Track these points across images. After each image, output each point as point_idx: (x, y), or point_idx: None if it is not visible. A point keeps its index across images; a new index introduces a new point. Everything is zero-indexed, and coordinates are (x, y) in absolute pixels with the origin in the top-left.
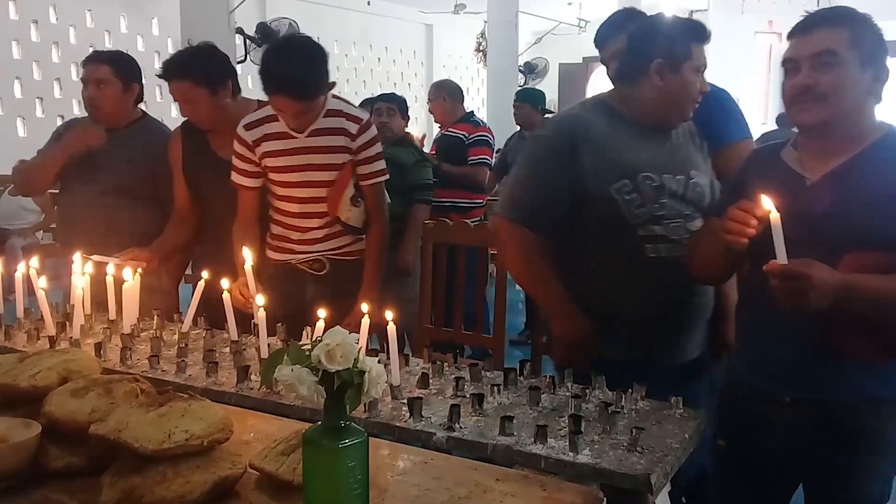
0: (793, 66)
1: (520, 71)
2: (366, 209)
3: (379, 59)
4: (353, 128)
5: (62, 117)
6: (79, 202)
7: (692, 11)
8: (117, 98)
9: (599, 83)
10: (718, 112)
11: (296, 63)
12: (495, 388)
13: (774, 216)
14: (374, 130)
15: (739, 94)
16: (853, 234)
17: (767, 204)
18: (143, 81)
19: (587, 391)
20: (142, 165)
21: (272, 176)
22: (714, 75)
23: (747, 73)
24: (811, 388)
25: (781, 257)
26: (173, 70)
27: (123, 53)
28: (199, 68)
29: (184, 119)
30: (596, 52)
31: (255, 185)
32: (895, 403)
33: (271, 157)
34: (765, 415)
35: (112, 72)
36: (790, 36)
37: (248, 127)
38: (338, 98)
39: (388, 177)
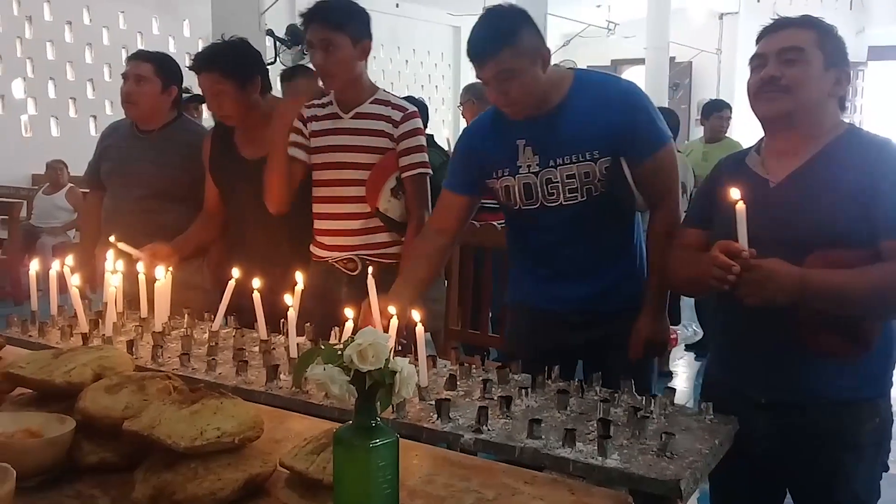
0: (760, 62)
1: None
2: (406, 204)
3: (407, 61)
4: (397, 115)
5: (94, 118)
6: (118, 205)
7: (722, 14)
8: (154, 96)
9: None
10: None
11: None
12: (523, 390)
13: (740, 206)
14: (417, 122)
15: None
16: (817, 234)
17: (735, 194)
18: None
19: (616, 395)
20: (178, 167)
21: (314, 158)
22: (746, 78)
23: None
24: (786, 390)
25: (743, 244)
26: (202, 61)
27: (167, 55)
28: (227, 60)
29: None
30: (625, 55)
31: (304, 158)
32: (871, 402)
33: (317, 137)
34: (742, 417)
35: (153, 70)
36: (759, 38)
37: (309, 106)
38: (388, 93)
39: (430, 172)
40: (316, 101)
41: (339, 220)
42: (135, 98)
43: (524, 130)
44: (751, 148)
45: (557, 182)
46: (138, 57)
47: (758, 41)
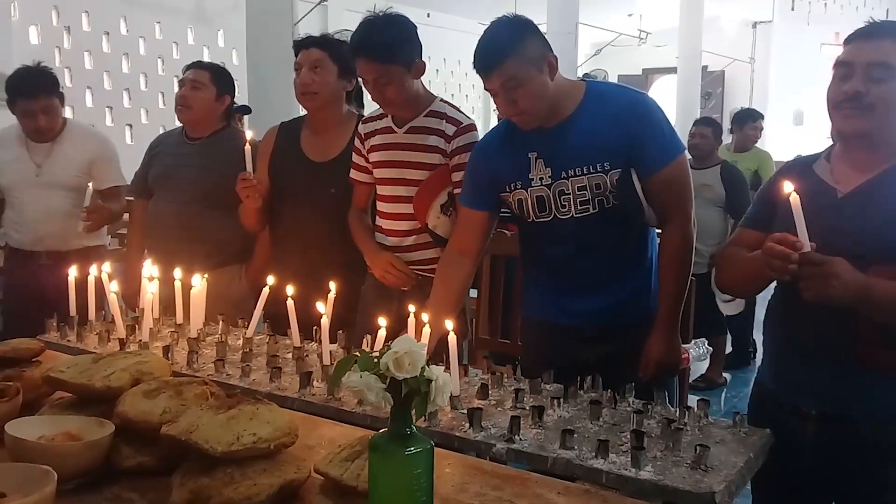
0: (845, 71)
1: None
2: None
3: (437, 70)
4: (450, 129)
5: (130, 126)
6: (162, 210)
7: (756, 23)
8: (208, 103)
9: (658, 94)
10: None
11: (375, 25)
12: (555, 400)
13: (794, 198)
14: (473, 136)
15: (805, 108)
16: (881, 247)
17: (787, 187)
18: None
19: (649, 407)
20: (222, 174)
21: (375, 173)
22: (779, 88)
23: (813, 85)
24: (837, 402)
25: (803, 237)
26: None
27: (224, 68)
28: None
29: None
30: (656, 64)
31: (366, 180)
32: None
33: (375, 152)
34: (791, 427)
35: (209, 77)
36: (849, 41)
37: (365, 122)
38: (446, 102)
39: None
40: (372, 114)
41: (397, 236)
42: (189, 102)
43: (536, 142)
44: (819, 154)
45: (569, 194)
46: (197, 65)
47: (845, 44)
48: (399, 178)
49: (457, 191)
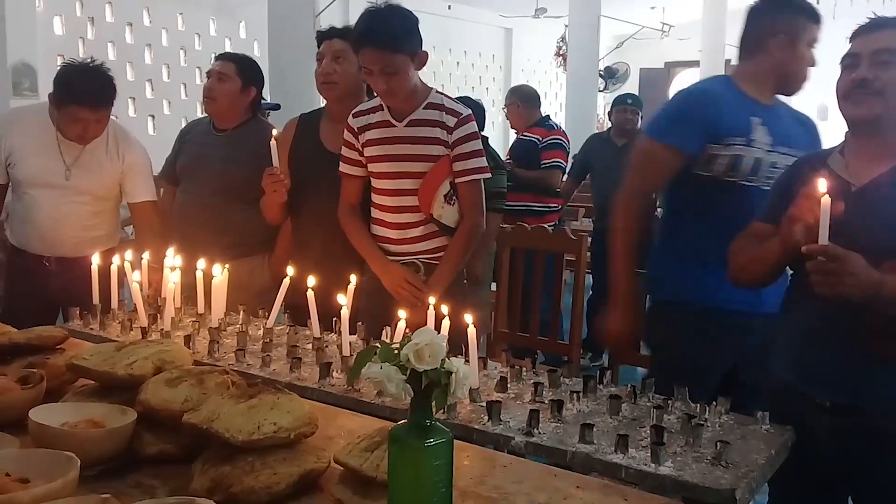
0: (852, 62)
1: (600, 76)
2: (459, 208)
3: (458, 63)
4: (451, 121)
5: (153, 117)
6: (187, 201)
7: None
8: (233, 95)
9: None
10: None
11: (380, 14)
12: (574, 395)
13: (826, 200)
14: (473, 126)
15: (829, 102)
16: (894, 241)
17: (822, 186)
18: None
19: (669, 402)
20: (246, 166)
21: (371, 167)
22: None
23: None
24: (851, 393)
25: (823, 241)
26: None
27: (252, 59)
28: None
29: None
30: (679, 57)
31: (358, 174)
32: None
33: (371, 146)
34: (805, 418)
35: (235, 69)
36: (853, 36)
37: (356, 115)
38: (442, 93)
39: (488, 175)
40: (363, 108)
41: (401, 228)
42: (215, 94)
43: (759, 111)
44: (834, 148)
45: (779, 168)
46: (224, 57)
47: (851, 40)
48: (402, 172)
49: (458, 180)
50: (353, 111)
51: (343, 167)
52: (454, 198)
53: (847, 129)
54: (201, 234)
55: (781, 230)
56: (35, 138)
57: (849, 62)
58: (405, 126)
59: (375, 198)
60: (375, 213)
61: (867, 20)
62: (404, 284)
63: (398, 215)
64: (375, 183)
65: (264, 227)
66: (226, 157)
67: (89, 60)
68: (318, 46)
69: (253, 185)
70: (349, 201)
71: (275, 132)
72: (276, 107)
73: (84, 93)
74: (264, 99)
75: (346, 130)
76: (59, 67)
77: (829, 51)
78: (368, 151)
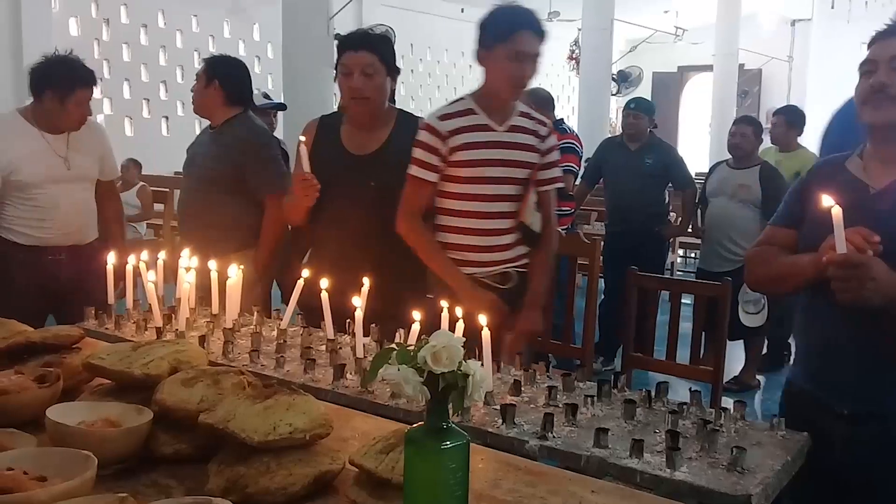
0: (869, 68)
1: (613, 80)
2: (542, 215)
3: (470, 66)
4: (543, 130)
5: (166, 118)
6: (183, 197)
7: (794, 21)
8: (201, 93)
9: (693, 92)
10: None
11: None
12: (589, 399)
13: (836, 210)
14: (554, 136)
15: None
16: None
17: (827, 201)
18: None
19: (685, 407)
20: (223, 160)
21: (460, 172)
22: (819, 87)
23: (853, 84)
24: (869, 401)
25: (841, 250)
26: (360, 41)
27: (222, 56)
28: (387, 50)
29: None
30: (692, 61)
31: (434, 179)
32: None
33: (465, 150)
34: (823, 426)
35: (203, 69)
36: (871, 43)
37: (444, 118)
38: (519, 102)
39: (562, 184)
40: (449, 111)
41: (490, 235)
42: (193, 97)
43: None
44: (853, 152)
45: None
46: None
47: (869, 46)
48: (506, 178)
49: (542, 188)
50: (439, 114)
51: (417, 171)
52: (538, 205)
53: (867, 133)
54: (189, 223)
55: (818, 258)
56: (21, 139)
57: (866, 69)
58: (506, 131)
59: (462, 204)
60: (449, 221)
61: (884, 27)
62: (496, 310)
63: (489, 221)
64: (460, 188)
65: (247, 220)
66: (211, 154)
67: (55, 52)
68: (339, 55)
69: (234, 177)
70: (417, 207)
71: (302, 138)
72: (283, 106)
73: (87, 74)
74: (268, 98)
75: (426, 132)
76: (33, 69)
77: (845, 58)
78: (462, 156)
